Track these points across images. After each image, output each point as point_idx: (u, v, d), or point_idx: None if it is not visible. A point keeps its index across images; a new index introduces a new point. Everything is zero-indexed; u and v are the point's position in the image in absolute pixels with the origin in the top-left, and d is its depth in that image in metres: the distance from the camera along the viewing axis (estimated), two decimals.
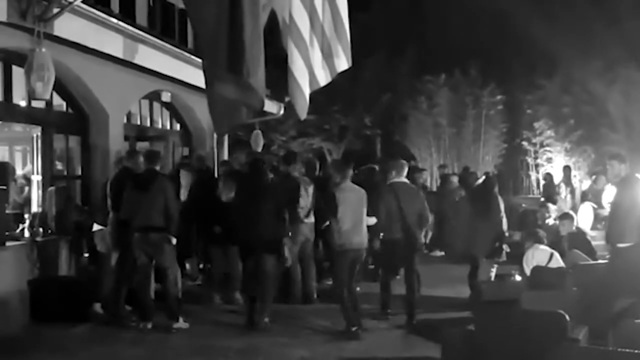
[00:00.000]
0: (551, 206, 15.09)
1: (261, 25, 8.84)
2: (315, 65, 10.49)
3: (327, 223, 9.50)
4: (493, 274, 10.60)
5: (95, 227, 9.85)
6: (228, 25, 8.22)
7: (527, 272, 8.99)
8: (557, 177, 19.22)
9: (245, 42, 8.17)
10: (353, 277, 9.23)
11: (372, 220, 9.39)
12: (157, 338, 8.89)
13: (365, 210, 9.18)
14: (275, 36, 10.93)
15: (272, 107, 17.44)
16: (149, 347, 8.58)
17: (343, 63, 10.89)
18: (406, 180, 10.11)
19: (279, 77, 10.76)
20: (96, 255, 10.00)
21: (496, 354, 6.12)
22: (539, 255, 9.24)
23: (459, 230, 13.08)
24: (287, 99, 12.69)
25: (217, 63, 8.41)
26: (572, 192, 17.29)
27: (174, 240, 9.25)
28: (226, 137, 17.45)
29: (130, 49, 10.90)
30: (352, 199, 9.05)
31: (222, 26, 8.26)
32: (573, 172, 19.93)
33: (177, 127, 16.20)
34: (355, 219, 9.00)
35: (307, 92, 10.17)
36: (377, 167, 13.87)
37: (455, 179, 16.06)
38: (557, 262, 9.14)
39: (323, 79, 10.76)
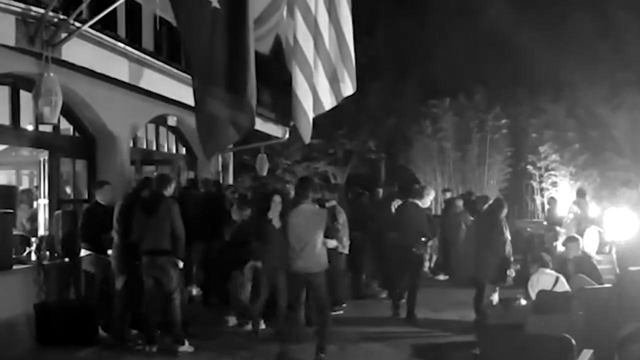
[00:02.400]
0: (560, 230, 15.04)
1: (252, 46, 8.75)
2: (319, 89, 10.47)
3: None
4: (495, 299, 10.59)
5: (83, 252, 9.82)
6: (229, 45, 8.17)
7: (533, 296, 8.97)
8: (562, 201, 19.15)
9: (250, 62, 8.17)
10: (320, 300, 8.96)
11: (331, 243, 9.32)
12: None
13: (318, 233, 8.82)
14: (281, 60, 10.98)
15: (277, 131, 17.51)
16: None
17: (349, 88, 10.90)
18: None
19: (284, 101, 10.81)
20: (91, 279, 10.01)
21: None
22: (544, 280, 9.19)
23: (465, 254, 13.14)
24: (292, 123, 12.76)
25: (211, 82, 8.33)
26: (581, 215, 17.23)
27: (181, 264, 9.28)
28: (231, 161, 17.55)
29: (137, 74, 10.98)
30: (300, 223, 8.80)
31: (219, 45, 8.19)
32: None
33: (183, 151, 16.27)
34: (302, 243, 8.74)
35: (311, 115, 10.18)
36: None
37: (460, 203, 16.07)
38: (563, 286, 9.09)
39: (328, 103, 10.74)
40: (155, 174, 12.78)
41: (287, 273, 9.03)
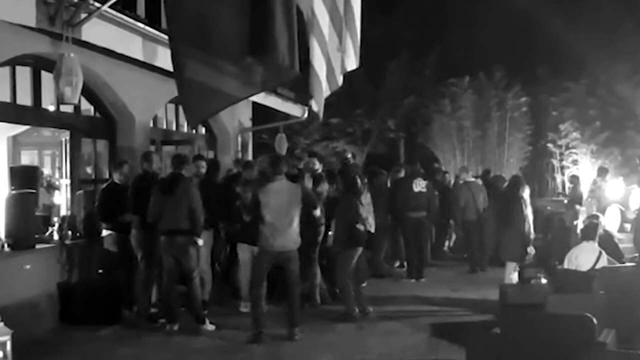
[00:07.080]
0: (580, 208, 14.93)
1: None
2: (334, 65, 10.46)
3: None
4: (515, 277, 10.55)
5: (105, 232, 9.93)
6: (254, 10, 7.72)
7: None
8: (582, 179, 18.97)
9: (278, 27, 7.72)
10: (292, 277, 8.94)
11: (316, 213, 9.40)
12: (184, 340, 8.96)
13: (296, 209, 8.85)
14: (300, 39, 10.92)
15: (296, 110, 17.48)
16: (176, 349, 8.66)
17: (352, 62, 10.88)
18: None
19: (303, 80, 10.78)
20: (111, 259, 10.10)
21: (522, 358, 6.11)
22: (585, 256, 8.70)
23: (487, 234, 13.10)
24: (310, 102, 12.77)
25: (200, 46, 7.87)
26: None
27: (200, 242, 9.33)
28: (250, 141, 17.55)
29: (157, 54, 10.97)
30: (275, 201, 8.75)
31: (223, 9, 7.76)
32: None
33: (203, 131, 16.27)
34: (279, 221, 8.73)
35: (325, 91, 10.16)
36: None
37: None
38: (604, 263, 8.70)
39: (340, 80, 10.77)
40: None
41: (259, 252, 9.02)
